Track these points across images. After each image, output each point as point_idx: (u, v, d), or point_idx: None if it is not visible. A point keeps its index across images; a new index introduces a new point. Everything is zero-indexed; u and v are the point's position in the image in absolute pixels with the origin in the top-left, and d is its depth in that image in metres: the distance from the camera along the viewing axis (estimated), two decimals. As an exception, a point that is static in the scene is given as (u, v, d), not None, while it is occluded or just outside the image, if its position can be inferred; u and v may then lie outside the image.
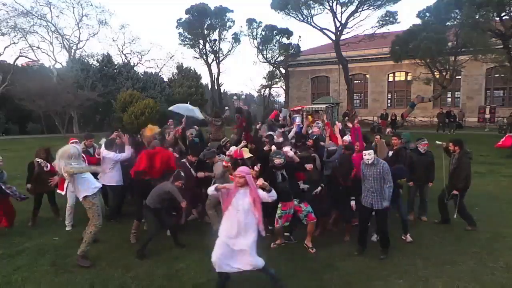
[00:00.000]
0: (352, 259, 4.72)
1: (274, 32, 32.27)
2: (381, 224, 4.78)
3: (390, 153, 6.36)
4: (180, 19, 32.79)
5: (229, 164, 5.34)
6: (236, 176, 3.78)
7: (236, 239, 3.69)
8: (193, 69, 33.17)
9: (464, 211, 5.85)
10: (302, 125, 8.44)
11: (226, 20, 33.25)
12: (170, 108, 8.17)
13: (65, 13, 41.51)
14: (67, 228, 5.92)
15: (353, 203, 5.19)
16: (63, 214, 6.11)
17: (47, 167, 5.92)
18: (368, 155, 4.68)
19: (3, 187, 5.60)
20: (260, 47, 33.12)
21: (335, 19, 25.44)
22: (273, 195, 3.85)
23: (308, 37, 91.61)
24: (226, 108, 9.51)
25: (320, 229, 5.56)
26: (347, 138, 6.50)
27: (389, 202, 4.66)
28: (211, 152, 5.85)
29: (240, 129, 7.43)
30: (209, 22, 32.73)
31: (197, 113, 7.97)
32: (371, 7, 24.96)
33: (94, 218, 4.55)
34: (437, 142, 6.22)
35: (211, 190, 3.93)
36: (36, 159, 6.05)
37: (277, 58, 33.91)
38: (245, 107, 9.54)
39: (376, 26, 25.60)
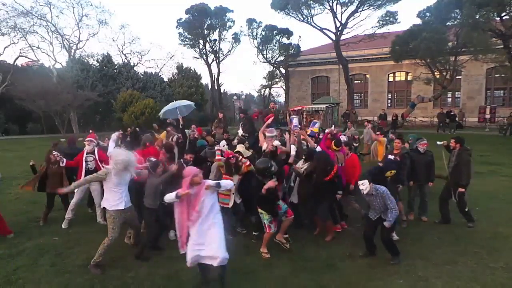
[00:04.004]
0: (352, 259, 4.71)
1: (274, 32, 32.28)
2: (384, 234, 4.59)
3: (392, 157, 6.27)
4: (180, 19, 32.81)
5: (221, 158, 5.33)
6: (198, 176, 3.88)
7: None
8: (193, 69, 33.25)
9: (464, 208, 5.89)
10: (299, 126, 8.43)
11: (226, 20, 33.25)
12: (160, 115, 8.25)
13: (65, 13, 41.81)
14: (63, 226, 5.93)
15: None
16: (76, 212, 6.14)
17: (62, 162, 5.94)
18: (362, 186, 4.43)
19: None
20: (260, 47, 33.12)
21: (335, 19, 25.49)
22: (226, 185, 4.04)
23: (308, 37, 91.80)
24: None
25: (319, 229, 5.57)
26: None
27: (392, 222, 4.50)
28: (213, 152, 5.83)
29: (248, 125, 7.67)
30: (209, 22, 32.72)
31: (186, 108, 8.06)
32: (371, 7, 25.01)
33: (109, 231, 4.42)
34: (438, 142, 6.24)
35: (170, 198, 3.78)
36: (54, 152, 6.05)
37: (277, 58, 33.91)
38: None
39: (376, 26, 25.66)
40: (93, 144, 6.09)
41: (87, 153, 6.01)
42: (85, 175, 5.84)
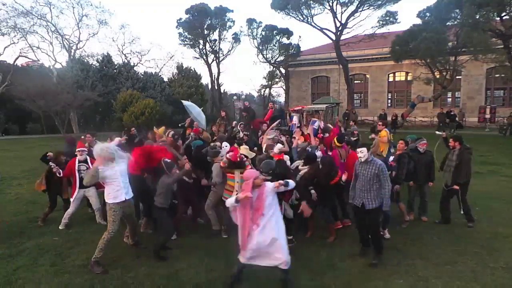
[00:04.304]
0: (352, 259, 4.71)
1: (274, 32, 32.26)
2: (372, 225, 4.62)
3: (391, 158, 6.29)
4: (180, 19, 32.80)
5: (225, 164, 5.33)
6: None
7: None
8: (193, 69, 33.16)
9: (466, 207, 5.92)
10: (299, 125, 8.46)
11: (226, 20, 33.24)
12: (184, 103, 8.27)
13: (65, 13, 41.65)
14: (60, 227, 5.92)
15: (313, 191, 5.13)
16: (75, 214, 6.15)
17: (59, 173, 5.91)
18: (361, 153, 4.55)
19: None
20: (260, 47, 33.12)
21: (335, 19, 25.51)
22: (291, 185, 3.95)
23: (308, 37, 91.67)
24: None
25: (311, 232, 5.57)
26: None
27: (388, 201, 4.56)
28: (215, 152, 5.81)
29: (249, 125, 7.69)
30: (209, 22, 32.71)
31: (202, 121, 8.10)
32: (371, 7, 25.03)
33: (109, 224, 4.47)
34: (437, 132, 6.26)
35: (231, 203, 3.77)
36: (50, 163, 6.03)
37: (277, 58, 33.90)
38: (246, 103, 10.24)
39: (376, 26, 25.67)
40: (85, 153, 6.03)
41: (79, 162, 5.94)
42: (79, 184, 5.84)
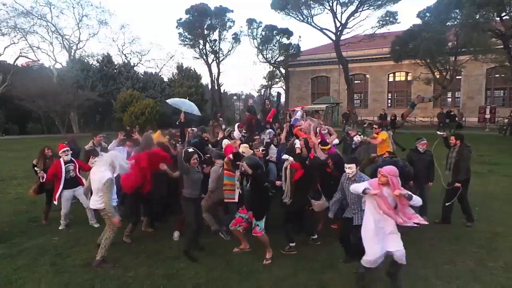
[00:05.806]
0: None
1: (274, 32, 32.34)
2: (356, 237, 4.27)
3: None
4: (180, 19, 32.85)
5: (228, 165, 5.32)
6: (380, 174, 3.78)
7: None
8: (193, 69, 33.26)
9: (467, 206, 5.94)
10: (298, 118, 8.34)
11: (226, 20, 33.30)
12: (168, 101, 8.20)
13: (65, 13, 41.78)
14: (60, 227, 5.92)
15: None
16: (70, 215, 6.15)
17: (43, 178, 5.86)
18: (349, 169, 4.29)
19: None
20: (260, 47, 33.17)
21: (335, 19, 25.54)
22: (416, 201, 3.85)
23: (308, 37, 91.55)
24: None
25: (322, 224, 5.57)
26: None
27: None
28: (220, 154, 5.79)
29: (251, 126, 7.65)
30: (209, 22, 32.77)
31: (195, 110, 8.02)
32: (371, 7, 25.06)
33: (112, 224, 4.52)
34: (438, 132, 6.26)
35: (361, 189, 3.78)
36: (35, 168, 5.98)
37: (277, 58, 33.95)
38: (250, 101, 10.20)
39: (376, 26, 25.71)
40: (70, 153, 5.99)
41: (66, 163, 5.86)
42: (64, 184, 5.81)
